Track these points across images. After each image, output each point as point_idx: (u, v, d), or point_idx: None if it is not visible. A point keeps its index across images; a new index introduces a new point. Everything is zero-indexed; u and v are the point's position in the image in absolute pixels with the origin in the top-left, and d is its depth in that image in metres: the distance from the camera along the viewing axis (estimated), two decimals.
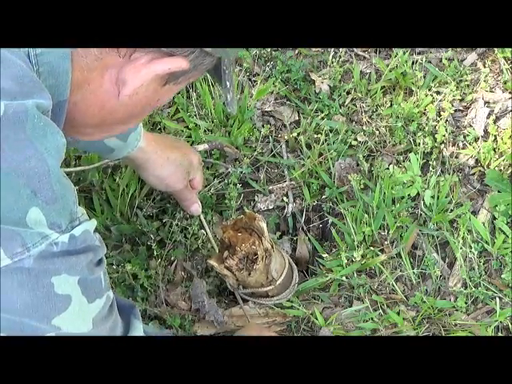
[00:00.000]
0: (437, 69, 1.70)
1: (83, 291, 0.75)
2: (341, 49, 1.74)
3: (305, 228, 1.53)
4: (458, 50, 1.75)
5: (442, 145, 1.58)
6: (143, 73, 0.77)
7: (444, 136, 1.58)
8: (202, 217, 1.48)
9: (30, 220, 0.68)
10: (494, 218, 1.47)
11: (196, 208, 1.46)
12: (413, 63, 1.70)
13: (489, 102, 1.66)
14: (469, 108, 1.66)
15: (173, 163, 1.35)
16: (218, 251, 1.37)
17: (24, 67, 0.70)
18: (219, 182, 1.55)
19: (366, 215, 1.45)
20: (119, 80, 0.78)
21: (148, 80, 0.78)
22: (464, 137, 1.60)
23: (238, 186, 1.52)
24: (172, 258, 1.44)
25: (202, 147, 1.57)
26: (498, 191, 1.50)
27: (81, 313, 0.76)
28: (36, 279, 0.70)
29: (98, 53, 0.75)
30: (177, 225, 1.45)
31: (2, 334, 0.72)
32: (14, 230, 0.67)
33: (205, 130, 1.59)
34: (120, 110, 0.83)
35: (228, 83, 0.86)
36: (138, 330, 0.95)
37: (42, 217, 0.69)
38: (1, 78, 0.68)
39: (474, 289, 1.39)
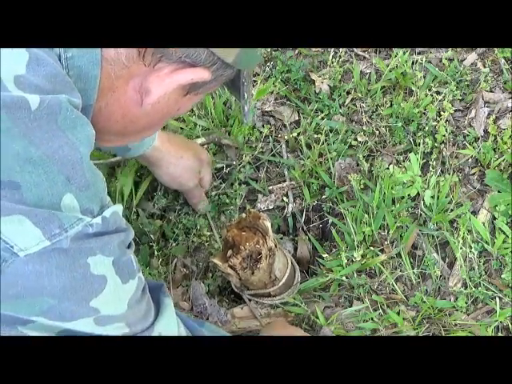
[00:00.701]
0: (437, 69, 1.70)
1: (117, 271, 0.76)
2: (341, 49, 1.74)
3: (305, 228, 1.53)
4: (458, 50, 1.75)
5: (442, 145, 1.58)
6: (166, 82, 0.79)
7: (444, 136, 1.58)
8: (209, 216, 1.50)
9: (65, 206, 0.69)
10: (494, 218, 1.47)
11: (203, 205, 1.50)
12: (413, 63, 1.70)
13: (489, 102, 1.66)
14: (469, 108, 1.66)
15: (186, 162, 1.40)
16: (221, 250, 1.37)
17: (57, 66, 0.72)
18: (221, 183, 1.55)
19: (366, 215, 1.45)
20: (143, 88, 0.80)
21: (171, 90, 0.80)
22: (464, 137, 1.60)
23: (242, 185, 1.53)
24: (171, 256, 1.45)
25: (199, 141, 1.57)
26: (498, 191, 1.50)
27: (116, 293, 0.78)
28: (73, 260, 0.71)
29: (125, 61, 0.77)
30: (179, 222, 1.45)
31: (42, 319, 0.73)
32: (50, 212, 0.68)
33: (205, 130, 1.60)
34: (142, 118, 0.85)
35: (246, 95, 0.89)
36: (169, 306, 0.96)
37: (76, 203, 0.70)
38: (37, 76, 0.70)
39: (474, 289, 1.39)
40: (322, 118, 1.64)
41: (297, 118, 1.67)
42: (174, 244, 1.45)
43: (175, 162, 1.39)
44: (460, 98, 1.66)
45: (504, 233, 1.44)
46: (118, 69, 0.78)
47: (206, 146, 1.58)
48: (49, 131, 0.69)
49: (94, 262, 0.73)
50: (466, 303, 1.38)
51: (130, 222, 1.46)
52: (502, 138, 1.56)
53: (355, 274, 1.41)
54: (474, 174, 1.56)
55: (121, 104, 0.82)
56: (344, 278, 1.40)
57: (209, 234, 1.47)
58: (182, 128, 1.59)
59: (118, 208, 0.77)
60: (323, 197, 1.53)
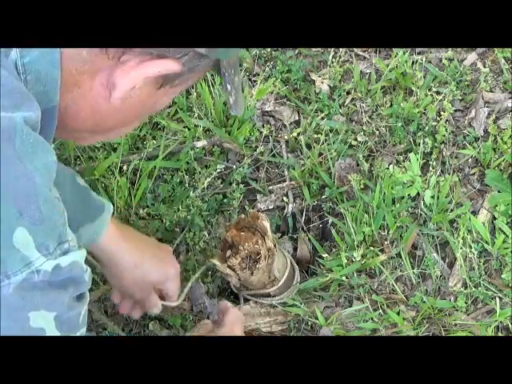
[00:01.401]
0: (437, 69, 1.70)
1: (57, 326, 0.73)
2: (341, 49, 1.74)
3: (305, 228, 1.53)
4: (458, 50, 1.75)
5: (442, 145, 1.58)
6: (132, 75, 0.75)
7: (444, 136, 1.58)
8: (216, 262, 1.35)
9: (17, 240, 0.66)
10: (494, 218, 1.47)
11: (156, 312, 1.30)
12: (413, 63, 1.70)
13: (489, 102, 1.66)
14: (469, 108, 1.66)
15: (140, 274, 1.21)
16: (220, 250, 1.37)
17: (13, 80, 0.69)
18: (221, 182, 1.55)
19: (366, 215, 1.45)
20: (110, 83, 0.76)
21: (139, 83, 0.76)
22: (464, 137, 1.60)
23: (241, 185, 1.53)
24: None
25: (200, 144, 1.57)
26: (498, 191, 1.50)
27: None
28: (13, 312, 0.68)
29: (86, 55, 0.74)
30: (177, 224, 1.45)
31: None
32: None
33: (205, 131, 1.60)
34: (113, 114, 0.81)
35: (229, 86, 0.83)
36: None
37: (30, 237, 0.66)
38: None
39: (474, 289, 1.39)
40: (322, 118, 1.64)
41: (297, 118, 1.67)
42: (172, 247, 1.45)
43: (127, 270, 1.20)
44: (460, 97, 1.66)
45: (504, 233, 1.44)
46: (79, 64, 0.74)
47: (207, 147, 1.58)
48: (4, 159, 0.65)
49: (34, 315, 0.69)
50: (466, 303, 1.38)
51: (130, 223, 1.46)
52: (502, 138, 1.56)
53: (355, 274, 1.41)
54: (473, 174, 1.56)
55: (88, 100, 0.78)
56: (344, 277, 1.40)
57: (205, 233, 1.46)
58: (182, 130, 1.59)
59: (80, 256, 0.73)
60: (323, 197, 1.53)
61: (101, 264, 1.23)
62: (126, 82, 0.76)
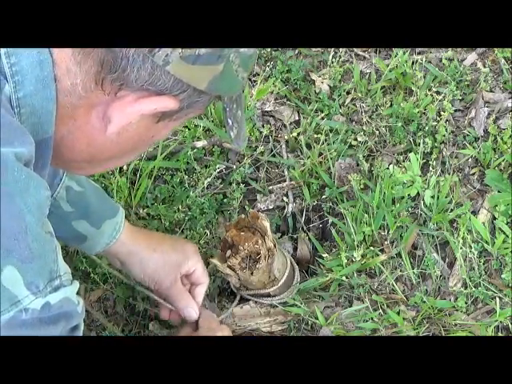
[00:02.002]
0: (437, 69, 1.70)
1: None
2: (341, 49, 1.74)
3: (305, 228, 1.53)
4: (458, 50, 1.75)
5: (442, 145, 1.58)
6: (128, 111, 0.75)
7: (444, 136, 1.58)
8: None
9: (6, 279, 0.65)
10: (494, 218, 1.47)
11: (190, 313, 1.24)
12: (413, 63, 1.70)
13: (489, 102, 1.66)
14: (469, 108, 1.66)
15: (160, 256, 1.23)
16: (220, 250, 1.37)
17: (4, 115, 0.68)
18: (221, 182, 1.55)
19: (366, 215, 1.45)
20: (106, 117, 0.76)
21: (135, 118, 0.76)
22: (464, 137, 1.60)
23: (241, 185, 1.53)
24: None
25: (200, 144, 1.57)
26: (498, 191, 1.50)
27: None
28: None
29: (82, 92, 0.73)
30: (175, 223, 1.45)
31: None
32: None
33: (205, 130, 1.60)
34: (110, 147, 0.80)
35: (230, 121, 0.82)
36: None
37: (19, 276, 0.66)
38: None
39: (474, 289, 1.39)
40: (322, 118, 1.64)
41: (297, 118, 1.67)
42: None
43: (147, 257, 1.22)
44: (460, 97, 1.66)
45: (504, 233, 1.44)
46: (75, 99, 0.74)
47: (207, 147, 1.58)
48: None
49: None
50: (466, 303, 1.38)
51: (130, 223, 1.46)
52: (502, 138, 1.56)
53: (355, 274, 1.41)
54: (473, 174, 1.56)
55: (84, 132, 0.78)
56: (344, 277, 1.40)
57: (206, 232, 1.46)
58: (182, 130, 1.59)
59: (71, 291, 0.72)
60: (323, 197, 1.53)
61: (121, 262, 1.24)
62: (122, 117, 0.75)
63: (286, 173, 1.58)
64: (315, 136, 1.60)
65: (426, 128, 1.59)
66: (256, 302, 1.39)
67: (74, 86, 0.73)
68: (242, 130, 0.85)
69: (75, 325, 0.76)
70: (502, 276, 1.40)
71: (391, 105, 1.64)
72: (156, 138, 0.83)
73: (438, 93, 1.65)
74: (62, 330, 0.73)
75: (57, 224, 1.11)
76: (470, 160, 1.57)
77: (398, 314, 1.37)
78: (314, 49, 1.76)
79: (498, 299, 1.37)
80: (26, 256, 0.66)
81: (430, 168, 1.51)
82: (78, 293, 0.75)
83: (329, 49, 1.76)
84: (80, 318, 0.76)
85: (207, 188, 1.53)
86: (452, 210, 1.47)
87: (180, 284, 1.25)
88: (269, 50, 1.75)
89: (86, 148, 0.80)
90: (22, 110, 0.72)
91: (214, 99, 0.80)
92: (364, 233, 1.44)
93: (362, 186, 1.50)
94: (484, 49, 1.75)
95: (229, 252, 1.28)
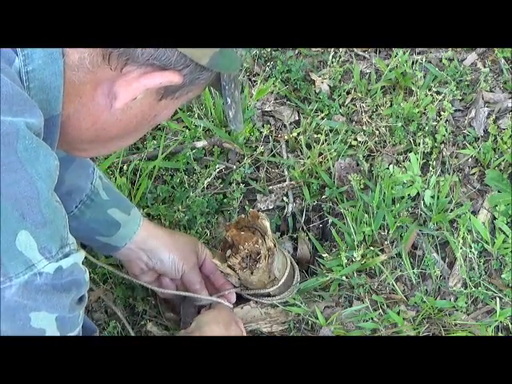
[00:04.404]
0: (437, 69, 1.70)
1: (58, 327, 0.74)
2: (341, 49, 1.74)
3: (305, 228, 1.53)
4: (458, 50, 1.75)
5: (442, 145, 1.58)
6: (134, 87, 0.76)
7: (444, 136, 1.58)
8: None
9: (20, 243, 0.67)
10: (494, 218, 1.47)
11: (233, 295, 1.35)
12: (413, 63, 1.70)
13: (489, 102, 1.66)
14: (469, 108, 1.66)
15: (180, 237, 1.33)
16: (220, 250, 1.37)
17: (14, 86, 0.70)
18: (221, 182, 1.55)
19: (366, 215, 1.45)
20: (111, 93, 0.77)
21: (139, 94, 0.78)
22: (464, 137, 1.60)
23: (241, 185, 1.53)
24: None
25: (200, 144, 1.57)
26: (498, 191, 1.50)
27: None
28: (14, 312, 0.69)
29: (89, 66, 0.75)
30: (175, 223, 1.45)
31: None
32: None
33: (205, 131, 1.60)
34: (114, 125, 0.82)
35: (229, 99, 0.84)
36: None
37: (33, 240, 0.68)
38: None
39: (474, 289, 1.39)
40: (322, 118, 1.64)
41: (297, 118, 1.67)
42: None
43: (170, 237, 1.30)
44: (460, 97, 1.66)
45: (504, 233, 1.44)
46: (82, 75, 0.75)
47: (207, 147, 1.58)
48: (6, 163, 0.66)
49: (35, 316, 0.71)
50: (466, 303, 1.38)
51: None
52: (502, 138, 1.56)
53: (355, 274, 1.41)
54: (473, 174, 1.56)
55: (89, 110, 0.79)
56: (344, 277, 1.40)
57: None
58: (182, 130, 1.59)
59: (79, 257, 0.74)
60: (323, 197, 1.53)
61: (149, 250, 1.28)
62: (128, 92, 0.77)
63: (286, 173, 1.58)
64: (315, 136, 1.60)
65: (426, 128, 1.59)
66: (256, 302, 1.39)
67: (82, 60, 0.74)
68: (238, 113, 0.87)
69: (82, 295, 0.78)
70: (502, 276, 1.40)
71: (391, 105, 1.64)
72: (158, 118, 0.85)
73: (438, 93, 1.65)
74: (72, 300, 0.75)
75: (96, 213, 1.19)
76: (469, 160, 1.57)
77: (398, 313, 1.37)
78: (313, 49, 1.76)
79: (498, 299, 1.37)
80: (39, 221, 0.68)
81: (430, 168, 1.51)
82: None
83: (329, 49, 1.76)
84: (87, 287, 0.78)
85: (207, 188, 1.53)
86: (452, 210, 1.47)
87: (197, 268, 1.33)
88: (269, 50, 1.75)
89: (91, 126, 0.81)
90: (30, 84, 0.73)
91: (213, 80, 0.82)
92: (364, 233, 1.44)
93: (361, 186, 1.50)
94: (484, 49, 1.75)
95: (229, 252, 1.28)
